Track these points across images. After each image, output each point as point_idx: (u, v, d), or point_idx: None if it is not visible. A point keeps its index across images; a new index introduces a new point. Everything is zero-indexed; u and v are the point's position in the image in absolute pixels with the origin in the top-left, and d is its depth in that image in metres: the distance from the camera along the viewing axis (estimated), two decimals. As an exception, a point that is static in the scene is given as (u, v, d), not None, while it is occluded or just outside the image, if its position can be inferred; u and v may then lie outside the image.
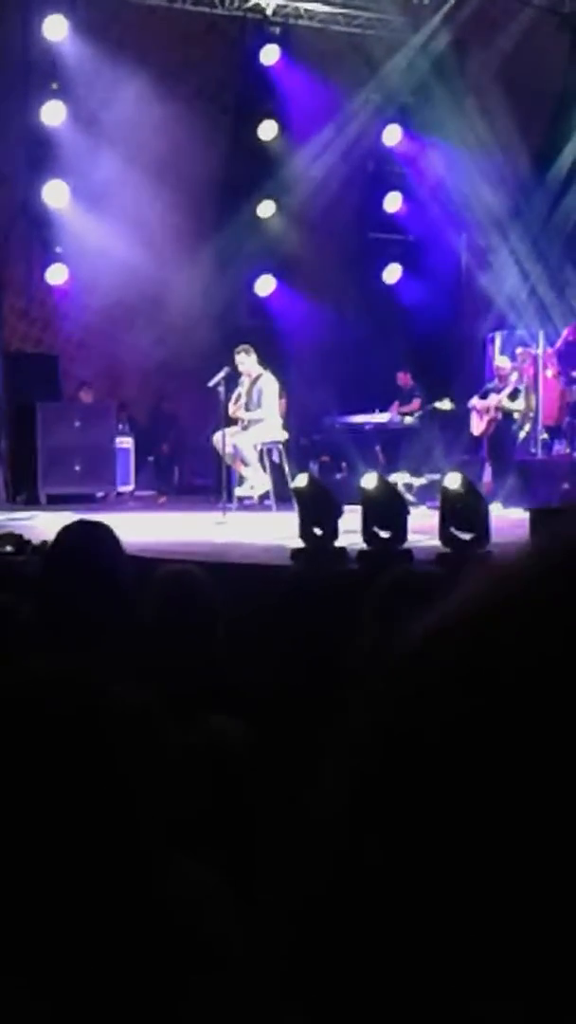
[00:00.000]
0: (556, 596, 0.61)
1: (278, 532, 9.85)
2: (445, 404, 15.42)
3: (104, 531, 3.76)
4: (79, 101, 15.42)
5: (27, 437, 14.87)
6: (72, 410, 15.58)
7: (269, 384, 13.48)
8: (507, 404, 14.49)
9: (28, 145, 15.51)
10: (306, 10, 16.87)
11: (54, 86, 15.43)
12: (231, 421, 13.23)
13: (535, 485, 12.75)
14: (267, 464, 13.26)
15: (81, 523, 3.92)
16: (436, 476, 13.04)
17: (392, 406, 16.18)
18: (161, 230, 15.60)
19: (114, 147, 15.33)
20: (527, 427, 14.53)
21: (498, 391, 14.65)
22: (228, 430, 13.00)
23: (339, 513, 8.45)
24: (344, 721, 0.65)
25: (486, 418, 14.58)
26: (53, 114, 15.38)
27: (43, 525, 9.58)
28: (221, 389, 12.76)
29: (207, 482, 15.27)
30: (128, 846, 1.48)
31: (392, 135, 17.71)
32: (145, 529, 9.76)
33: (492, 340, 16.46)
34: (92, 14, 15.51)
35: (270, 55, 16.83)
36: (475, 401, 14.80)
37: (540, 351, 14.62)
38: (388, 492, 8.77)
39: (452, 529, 7.94)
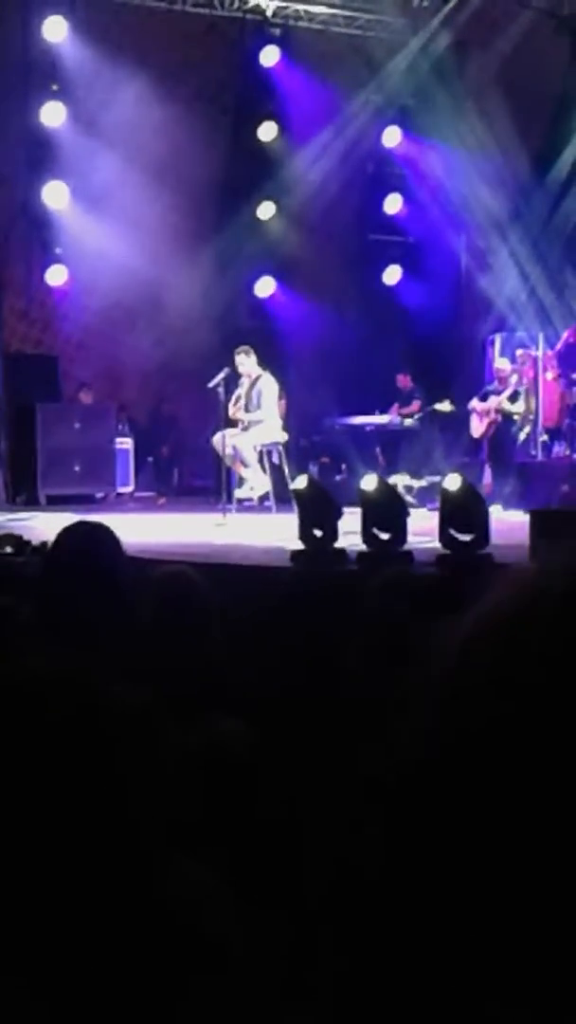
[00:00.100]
0: None
1: (278, 534, 9.84)
2: (445, 406, 15.44)
3: (104, 532, 3.75)
4: (79, 102, 15.43)
5: (27, 438, 14.87)
6: (72, 411, 15.59)
7: (269, 385, 13.46)
8: (507, 406, 14.50)
9: (28, 146, 15.52)
10: (306, 11, 16.88)
11: (54, 87, 15.44)
12: (231, 422, 13.21)
13: (535, 487, 12.74)
14: (267, 465, 13.25)
15: (81, 524, 3.92)
16: (436, 478, 13.04)
17: (392, 408, 16.18)
18: (161, 231, 15.58)
19: (114, 148, 15.33)
20: (527, 429, 14.52)
21: (498, 393, 14.66)
22: (228, 431, 12.98)
23: (339, 515, 8.43)
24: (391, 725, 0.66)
25: (486, 420, 14.59)
26: (53, 115, 15.39)
27: (43, 526, 9.57)
28: (221, 390, 12.75)
29: (207, 483, 15.26)
30: (128, 846, 1.48)
31: (392, 137, 17.71)
32: (145, 530, 9.76)
33: (492, 342, 16.46)
34: (92, 15, 15.53)
35: (270, 56, 16.84)
36: (475, 403, 14.81)
37: (540, 353, 14.61)
38: (388, 494, 8.75)
39: (452, 531, 7.93)
